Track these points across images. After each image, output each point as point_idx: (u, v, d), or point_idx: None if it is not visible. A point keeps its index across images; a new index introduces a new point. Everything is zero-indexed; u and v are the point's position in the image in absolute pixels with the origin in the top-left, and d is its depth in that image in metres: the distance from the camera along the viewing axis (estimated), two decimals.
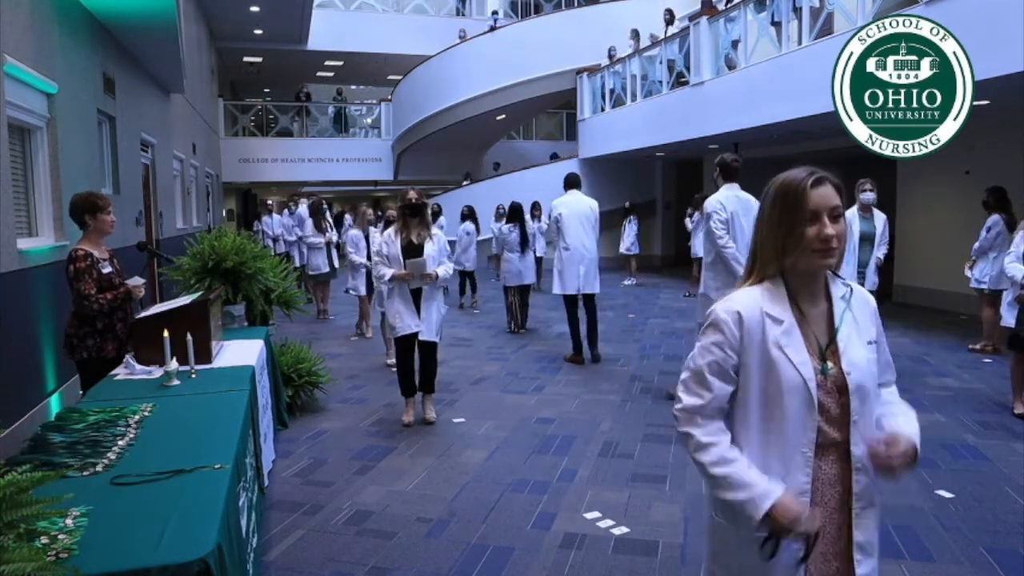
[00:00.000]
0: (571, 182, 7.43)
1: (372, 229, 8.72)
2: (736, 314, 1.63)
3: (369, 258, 8.46)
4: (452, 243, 12.06)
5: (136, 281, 4.10)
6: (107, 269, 4.01)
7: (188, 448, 2.44)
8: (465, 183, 18.19)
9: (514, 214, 9.58)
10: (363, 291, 8.60)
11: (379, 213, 9.15)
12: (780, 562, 1.59)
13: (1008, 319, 5.15)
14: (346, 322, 9.83)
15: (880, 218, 6.52)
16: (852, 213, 6.38)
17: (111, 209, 4.07)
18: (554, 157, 18.99)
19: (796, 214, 1.59)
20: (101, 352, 3.95)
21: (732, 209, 5.43)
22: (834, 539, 1.64)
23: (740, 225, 5.41)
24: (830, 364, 1.62)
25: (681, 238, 14.67)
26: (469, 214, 11.85)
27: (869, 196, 6.40)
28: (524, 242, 9.25)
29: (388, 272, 5.09)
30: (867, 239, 6.43)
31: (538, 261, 12.55)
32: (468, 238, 11.53)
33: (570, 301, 7.33)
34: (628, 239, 14.47)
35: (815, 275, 1.66)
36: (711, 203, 5.58)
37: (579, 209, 7.27)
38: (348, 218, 15.39)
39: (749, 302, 1.64)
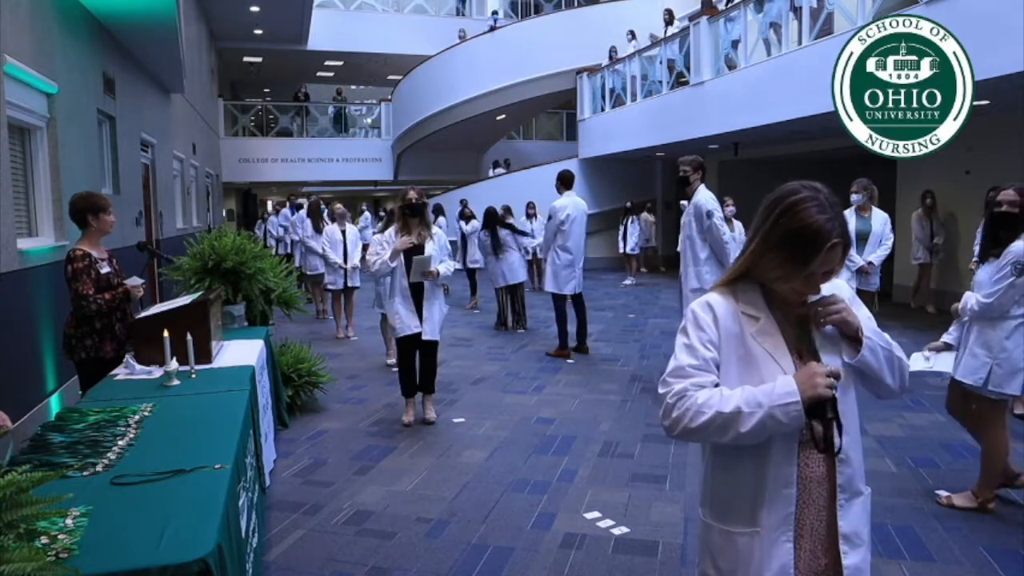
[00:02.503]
0: (569, 181, 7.46)
1: (348, 225, 8.95)
2: (711, 310, 1.65)
3: (345, 256, 8.66)
4: (455, 243, 12.15)
5: (135, 281, 4.09)
6: (105, 269, 4.00)
7: (188, 448, 2.44)
8: (500, 171, 18.13)
9: (488, 219, 9.56)
10: (340, 285, 8.84)
11: (380, 213, 9.32)
12: (771, 563, 1.60)
13: None
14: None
15: (880, 217, 6.51)
16: (849, 212, 6.44)
17: (112, 209, 4.08)
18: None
19: (801, 264, 1.56)
20: (100, 352, 3.95)
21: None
22: (823, 536, 1.65)
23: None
24: (808, 358, 1.63)
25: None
26: (471, 214, 11.90)
27: (853, 198, 6.45)
28: (496, 245, 9.28)
29: (386, 254, 5.01)
30: (861, 238, 6.45)
31: (536, 261, 12.72)
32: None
33: (560, 299, 7.50)
34: (632, 239, 14.52)
35: None
36: (709, 202, 5.68)
37: (580, 212, 7.44)
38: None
39: (723, 300, 1.66)
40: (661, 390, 1.63)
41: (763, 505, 1.60)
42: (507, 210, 10.36)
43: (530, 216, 12.80)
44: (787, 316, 1.66)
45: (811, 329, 1.66)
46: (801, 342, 1.65)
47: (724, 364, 1.62)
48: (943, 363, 3.84)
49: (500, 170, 18.15)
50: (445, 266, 5.17)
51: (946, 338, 3.86)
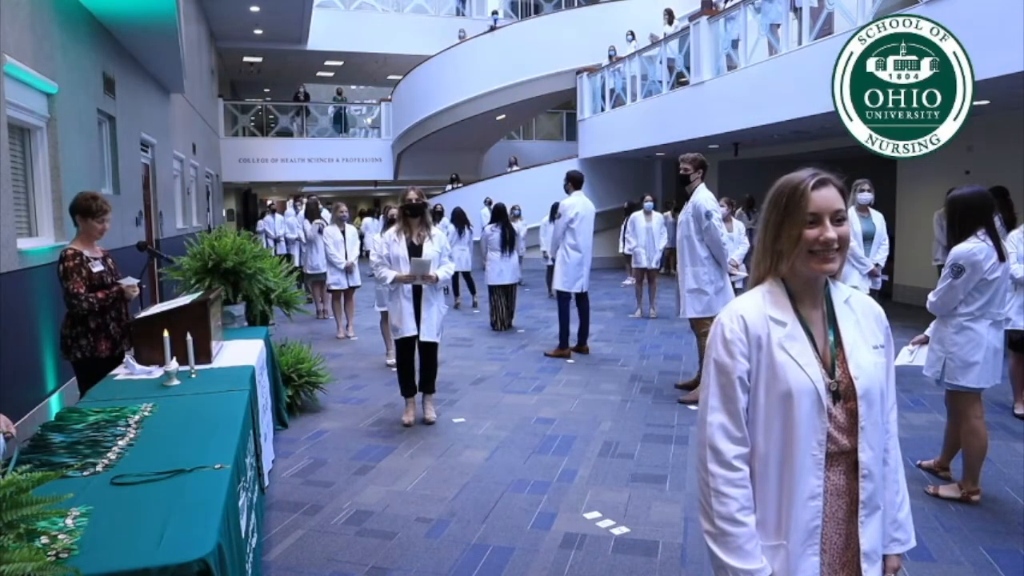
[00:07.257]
0: (578, 181, 7.55)
1: (348, 225, 8.97)
2: (741, 319, 1.60)
3: (346, 256, 8.68)
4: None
5: (130, 281, 4.08)
6: (97, 268, 3.98)
7: (188, 448, 2.44)
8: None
9: (498, 215, 9.65)
10: (345, 285, 8.83)
11: (376, 212, 9.31)
12: None
13: (1017, 322, 5.16)
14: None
15: (877, 217, 6.51)
16: (851, 213, 6.42)
17: (105, 218, 3.98)
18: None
19: (795, 216, 1.56)
20: (95, 352, 3.94)
21: None
22: (841, 550, 1.61)
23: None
24: (837, 369, 1.59)
25: None
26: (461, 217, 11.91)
27: (866, 196, 6.40)
28: (506, 242, 9.29)
29: (390, 275, 5.08)
30: (868, 238, 6.45)
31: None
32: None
33: (565, 298, 7.52)
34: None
35: (815, 279, 1.61)
36: (709, 203, 5.67)
37: (589, 211, 7.52)
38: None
39: (752, 306, 1.62)
40: (702, 412, 1.63)
41: (790, 517, 1.57)
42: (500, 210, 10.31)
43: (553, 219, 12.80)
44: (813, 318, 1.62)
45: (841, 332, 1.61)
46: (833, 343, 1.60)
47: (753, 373, 1.59)
48: (923, 357, 4.03)
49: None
50: (445, 269, 5.16)
51: (928, 332, 4.02)
